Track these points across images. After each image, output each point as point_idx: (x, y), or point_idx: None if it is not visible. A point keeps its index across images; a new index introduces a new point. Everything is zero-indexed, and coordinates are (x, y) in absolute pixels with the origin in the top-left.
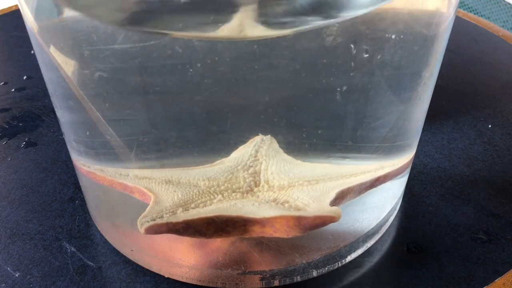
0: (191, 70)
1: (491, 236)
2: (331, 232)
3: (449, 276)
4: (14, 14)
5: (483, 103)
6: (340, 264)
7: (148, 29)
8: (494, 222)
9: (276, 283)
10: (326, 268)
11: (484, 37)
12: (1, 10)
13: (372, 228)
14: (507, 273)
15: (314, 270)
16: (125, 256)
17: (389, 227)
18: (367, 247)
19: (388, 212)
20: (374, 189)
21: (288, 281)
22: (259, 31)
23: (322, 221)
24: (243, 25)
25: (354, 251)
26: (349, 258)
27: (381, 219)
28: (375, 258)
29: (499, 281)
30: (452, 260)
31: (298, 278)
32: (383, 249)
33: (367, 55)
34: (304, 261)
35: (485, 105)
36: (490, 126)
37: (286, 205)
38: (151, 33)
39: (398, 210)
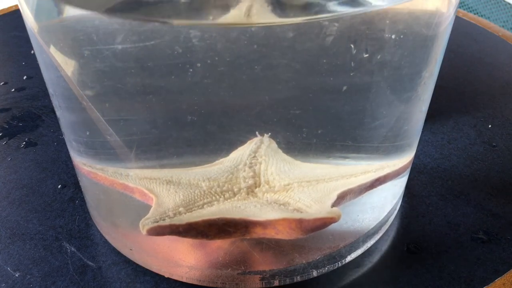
0: (191, 70)
1: (491, 236)
2: (331, 232)
3: (449, 276)
4: (14, 14)
5: (483, 103)
6: (340, 264)
7: (143, 17)
8: (494, 222)
9: (276, 283)
10: (326, 268)
11: (484, 37)
12: (1, 10)
13: (372, 228)
14: (507, 273)
15: (314, 270)
16: (125, 256)
17: (389, 227)
18: (367, 247)
19: (388, 212)
20: (374, 189)
21: (288, 281)
22: (268, 18)
23: (322, 223)
24: (251, 9)
25: (354, 251)
26: (349, 258)
27: (381, 219)
28: (375, 258)
29: (499, 281)
30: (452, 260)
31: (298, 278)
32: (383, 249)
33: (367, 55)
34: (304, 261)
35: (485, 105)
36: (490, 126)
37: (288, 206)
38: (148, 22)
39: (398, 210)
